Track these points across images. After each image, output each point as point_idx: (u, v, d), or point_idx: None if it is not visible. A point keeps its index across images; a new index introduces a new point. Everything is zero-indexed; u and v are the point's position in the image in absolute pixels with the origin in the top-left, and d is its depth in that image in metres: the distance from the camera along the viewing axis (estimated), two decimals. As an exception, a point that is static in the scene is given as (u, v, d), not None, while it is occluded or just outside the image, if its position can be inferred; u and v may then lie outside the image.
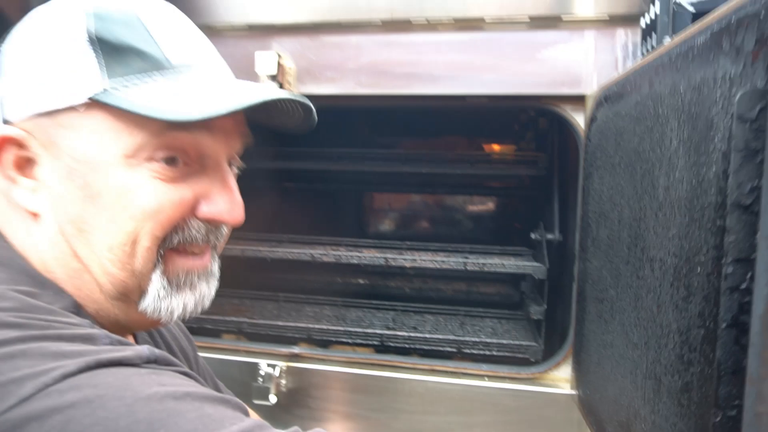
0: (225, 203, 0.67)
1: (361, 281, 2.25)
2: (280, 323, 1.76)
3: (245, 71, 1.53)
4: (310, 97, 1.60)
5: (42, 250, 0.64)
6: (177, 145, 0.63)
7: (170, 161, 0.63)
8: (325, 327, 1.76)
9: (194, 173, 0.66)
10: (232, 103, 0.60)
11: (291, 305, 2.00)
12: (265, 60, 1.51)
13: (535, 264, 1.65)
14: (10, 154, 0.63)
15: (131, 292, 0.65)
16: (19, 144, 0.62)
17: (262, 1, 1.55)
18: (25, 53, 0.63)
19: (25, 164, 0.64)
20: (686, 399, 0.69)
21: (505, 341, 1.67)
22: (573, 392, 1.45)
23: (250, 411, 0.68)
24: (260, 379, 1.53)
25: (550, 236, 1.70)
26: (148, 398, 0.48)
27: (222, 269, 0.77)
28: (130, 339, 0.77)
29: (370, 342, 1.71)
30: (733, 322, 0.55)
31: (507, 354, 1.63)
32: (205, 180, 0.66)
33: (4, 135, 0.61)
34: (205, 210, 0.66)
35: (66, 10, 0.63)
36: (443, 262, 1.71)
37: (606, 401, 1.14)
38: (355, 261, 1.77)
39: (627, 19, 1.41)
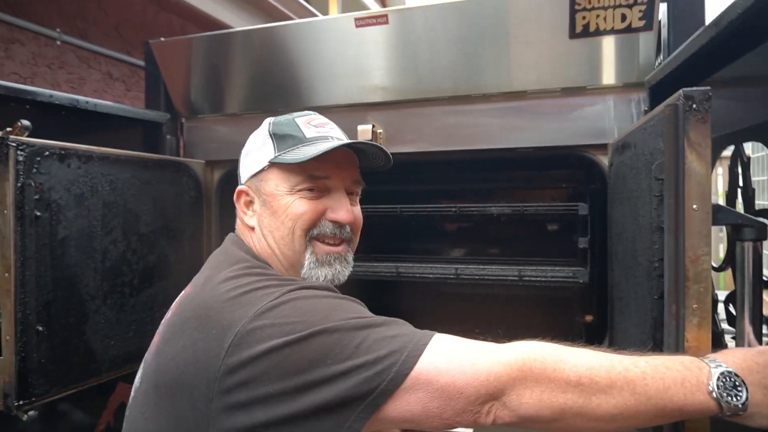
0: (339, 211, 1.08)
1: (440, 236, 2.53)
2: (376, 264, 2.09)
3: (349, 137, 1.92)
4: (397, 154, 1.99)
5: (256, 246, 1.10)
6: (312, 183, 1.06)
7: (310, 190, 1.06)
8: (410, 264, 2.08)
9: (324, 196, 1.08)
10: (320, 150, 1.01)
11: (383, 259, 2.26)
12: (363, 130, 1.91)
13: (581, 204, 1.92)
14: (242, 199, 1.13)
15: (296, 264, 1.08)
16: (246, 193, 1.12)
17: (360, 88, 1.94)
18: (248, 148, 1.14)
19: (249, 204, 1.12)
20: (654, 351, 1.01)
21: (558, 268, 1.91)
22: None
23: None
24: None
25: (591, 186, 1.99)
26: (326, 297, 0.90)
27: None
28: None
29: (447, 274, 2.00)
30: (661, 294, 0.88)
31: (560, 279, 1.88)
32: (330, 200, 1.08)
33: (240, 189, 1.12)
34: (329, 215, 1.08)
35: (263, 124, 1.14)
36: (505, 207, 1.98)
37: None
38: (433, 212, 2.09)
39: (636, 86, 1.70)
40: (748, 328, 0.89)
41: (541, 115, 1.82)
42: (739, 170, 1.07)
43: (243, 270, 0.96)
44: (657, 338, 0.95)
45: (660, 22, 1.69)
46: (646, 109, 1.65)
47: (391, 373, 0.78)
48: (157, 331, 1.02)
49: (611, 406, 0.78)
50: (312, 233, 1.07)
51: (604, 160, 1.76)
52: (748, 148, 1.32)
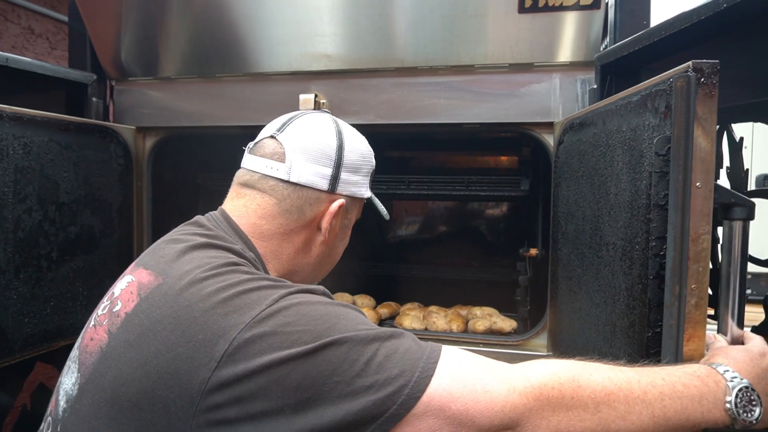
0: None
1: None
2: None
3: (290, 106, 1.75)
4: (341, 127, 1.82)
5: (285, 250, 0.98)
6: None
7: None
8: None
9: None
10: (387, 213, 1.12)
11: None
12: (305, 99, 1.74)
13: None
14: (340, 214, 1.00)
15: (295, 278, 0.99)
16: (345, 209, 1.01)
17: (304, 55, 1.77)
18: (359, 163, 1.01)
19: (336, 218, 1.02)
20: (631, 331, 0.94)
21: (502, 176, 1.99)
22: (549, 353, 1.69)
23: None
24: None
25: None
26: (329, 303, 0.76)
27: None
28: None
29: (400, 189, 2.05)
30: (656, 275, 0.80)
31: (505, 189, 1.99)
32: None
33: (343, 202, 0.98)
34: None
35: (366, 148, 1.05)
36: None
37: (576, 350, 1.38)
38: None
39: (584, 64, 1.65)
40: (732, 311, 0.83)
41: (488, 90, 1.72)
42: (725, 151, 1.01)
43: (227, 267, 0.79)
44: (632, 320, 0.87)
45: (607, 3, 1.64)
46: (594, 87, 1.59)
47: (401, 396, 0.67)
48: (100, 323, 0.80)
49: None
50: None
51: (549, 139, 1.70)
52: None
